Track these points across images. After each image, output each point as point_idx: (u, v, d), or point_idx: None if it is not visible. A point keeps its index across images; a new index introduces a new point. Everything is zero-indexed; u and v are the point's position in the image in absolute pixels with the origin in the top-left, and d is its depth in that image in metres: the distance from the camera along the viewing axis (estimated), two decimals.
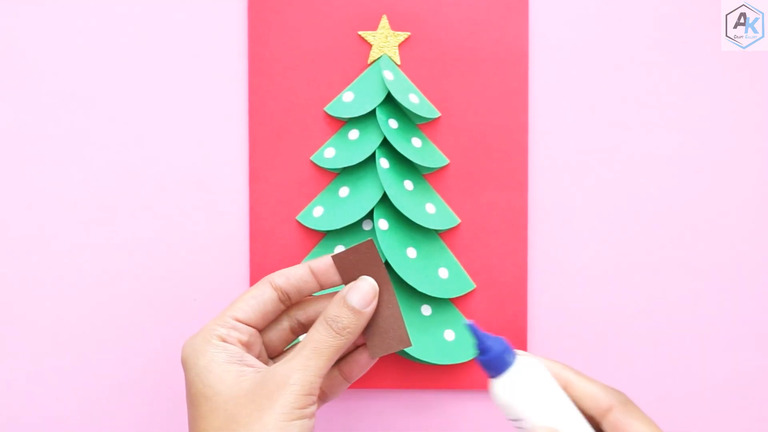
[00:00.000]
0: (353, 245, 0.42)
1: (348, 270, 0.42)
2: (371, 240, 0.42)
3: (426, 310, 0.50)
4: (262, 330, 0.43)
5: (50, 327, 0.51)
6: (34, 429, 0.51)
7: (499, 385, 0.38)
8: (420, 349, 0.49)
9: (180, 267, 0.51)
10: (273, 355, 0.44)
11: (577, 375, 0.40)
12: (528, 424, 0.37)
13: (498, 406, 0.38)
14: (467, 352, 0.50)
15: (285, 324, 0.44)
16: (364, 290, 0.41)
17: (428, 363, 0.50)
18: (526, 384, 0.38)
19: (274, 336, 0.44)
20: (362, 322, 0.41)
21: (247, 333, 0.41)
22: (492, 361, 0.38)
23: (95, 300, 0.51)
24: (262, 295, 0.42)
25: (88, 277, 0.51)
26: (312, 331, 0.41)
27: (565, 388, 0.39)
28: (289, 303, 0.43)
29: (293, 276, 0.42)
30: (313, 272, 0.42)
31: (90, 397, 0.51)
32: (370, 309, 0.41)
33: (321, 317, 0.41)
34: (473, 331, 0.38)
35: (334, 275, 0.42)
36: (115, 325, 0.51)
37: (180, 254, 0.51)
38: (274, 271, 0.50)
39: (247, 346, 0.41)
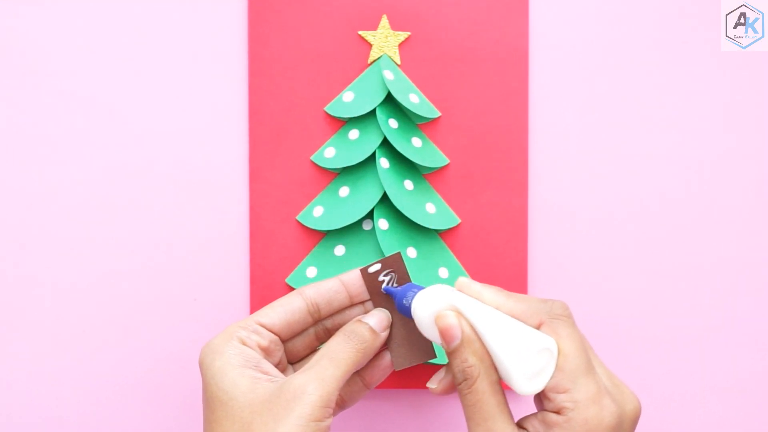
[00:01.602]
0: (382, 258, 0.43)
1: (375, 283, 0.42)
2: (399, 253, 0.42)
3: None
4: (286, 340, 0.43)
5: (50, 327, 0.51)
6: (34, 429, 0.51)
7: (414, 305, 0.40)
8: None
9: (180, 267, 0.51)
10: (293, 360, 0.44)
11: (507, 297, 0.39)
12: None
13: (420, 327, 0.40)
14: None
15: (311, 331, 0.43)
16: (380, 317, 0.42)
17: (428, 363, 0.50)
18: (433, 298, 0.39)
19: (298, 342, 0.43)
20: (377, 343, 0.41)
21: (268, 338, 0.41)
22: (399, 293, 0.41)
23: (95, 300, 0.51)
24: (290, 304, 0.42)
25: (88, 277, 0.51)
26: (331, 341, 0.40)
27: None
28: (318, 316, 0.43)
29: (324, 287, 0.42)
30: (344, 284, 0.43)
31: (90, 397, 0.51)
32: (385, 334, 0.42)
33: (340, 330, 0.41)
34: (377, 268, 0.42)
35: (364, 287, 0.43)
36: (115, 325, 0.51)
37: (180, 254, 0.51)
38: (274, 270, 0.50)
39: (266, 352, 0.41)
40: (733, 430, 0.52)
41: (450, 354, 0.38)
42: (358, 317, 0.42)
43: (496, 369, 0.38)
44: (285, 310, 0.41)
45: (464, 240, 0.51)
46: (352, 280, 0.43)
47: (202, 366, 0.40)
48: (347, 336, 0.40)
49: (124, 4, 0.51)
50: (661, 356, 0.52)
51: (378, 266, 0.42)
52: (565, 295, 0.51)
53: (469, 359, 0.38)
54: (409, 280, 0.42)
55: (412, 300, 0.40)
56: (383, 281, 0.43)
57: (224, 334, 0.40)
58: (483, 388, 0.38)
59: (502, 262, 0.51)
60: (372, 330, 0.41)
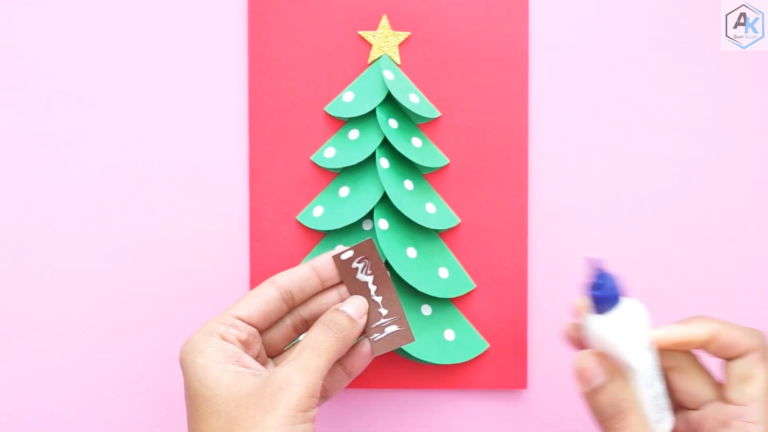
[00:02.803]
0: (353, 245, 0.43)
1: (348, 270, 0.43)
2: (371, 239, 0.43)
3: (426, 309, 0.50)
4: (263, 331, 0.43)
5: (50, 327, 0.51)
6: (34, 429, 0.51)
7: (601, 321, 0.38)
8: (420, 349, 0.49)
9: (180, 267, 0.51)
10: (273, 354, 0.44)
11: (721, 324, 0.39)
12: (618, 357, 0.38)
13: (591, 339, 0.39)
14: (467, 352, 0.50)
15: (287, 321, 0.44)
16: (356, 304, 0.43)
17: (428, 363, 0.50)
18: (622, 326, 0.38)
19: (276, 334, 0.44)
20: (356, 331, 0.42)
21: (246, 331, 0.41)
22: (603, 298, 0.38)
23: (95, 300, 0.51)
24: (264, 294, 0.42)
25: (88, 276, 0.51)
26: (310, 332, 0.41)
27: (715, 340, 0.39)
28: (292, 303, 0.43)
29: (295, 274, 0.43)
30: (314, 270, 0.43)
31: (90, 397, 0.51)
32: (362, 321, 0.43)
33: (319, 320, 0.42)
34: (594, 264, 0.38)
35: (334, 270, 0.44)
36: (115, 325, 0.51)
37: (180, 254, 0.51)
38: (274, 270, 0.50)
39: (246, 345, 0.41)
40: None
41: (592, 393, 0.38)
42: (335, 306, 0.43)
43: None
44: (260, 301, 0.42)
45: (464, 240, 0.51)
46: (322, 265, 0.44)
47: (183, 364, 0.40)
48: (326, 326, 0.41)
49: (124, 4, 0.51)
50: None
51: (350, 253, 0.43)
52: (565, 294, 0.51)
53: (623, 394, 0.38)
54: (383, 266, 0.43)
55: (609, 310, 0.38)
56: (356, 268, 0.43)
57: (203, 331, 0.41)
58: (640, 422, 0.38)
59: (502, 262, 0.51)
60: (350, 318, 0.42)
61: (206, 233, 0.51)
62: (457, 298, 0.51)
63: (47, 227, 0.51)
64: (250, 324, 0.42)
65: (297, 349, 0.40)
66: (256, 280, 0.50)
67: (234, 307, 0.42)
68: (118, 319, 0.51)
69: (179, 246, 0.51)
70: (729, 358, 0.39)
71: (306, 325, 0.44)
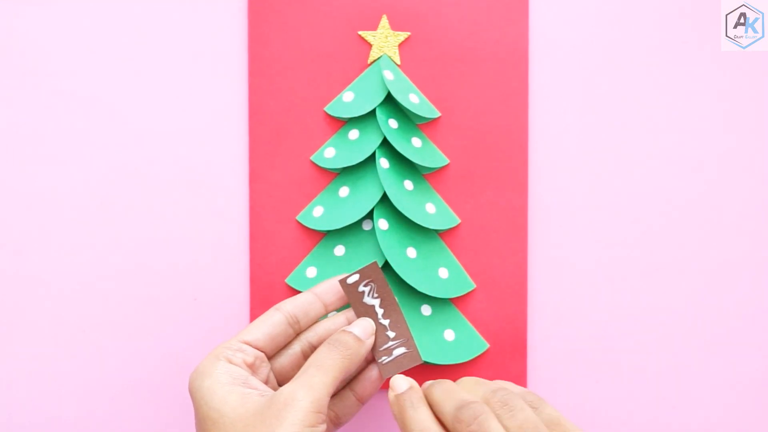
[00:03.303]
0: (358, 269, 0.44)
1: (355, 293, 0.43)
2: (375, 262, 0.44)
3: (426, 310, 0.50)
4: (271, 356, 0.44)
5: (50, 327, 0.51)
6: (34, 429, 0.51)
7: None
8: (420, 349, 0.49)
9: (180, 267, 0.51)
10: (284, 381, 0.44)
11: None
12: None
13: None
14: (467, 352, 0.50)
15: (296, 348, 0.44)
16: (363, 324, 0.43)
17: (428, 363, 0.50)
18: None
19: (285, 361, 0.44)
20: (363, 351, 0.43)
21: (253, 355, 0.42)
22: None
23: (95, 300, 0.51)
24: (270, 318, 0.43)
25: (88, 277, 0.51)
26: (316, 352, 0.42)
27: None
28: (298, 327, 0.44)
29: (299, 300, 0.44)
30: (317, 296, 0.44)
31: (90, 397, 0.51)
32: (370, 341, 0.43)
33: (325, 341, 0.42)
34: None
35: (336, 295, 0.44)
36: (115, 325, 0.51)
37: (180, 254, 0.51)
38: (274, 271, 0.50)
39: (253, 368, 0.42)
40: (733, 430, 0.52)
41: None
42: (343, 328, 0.43)
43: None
44: (265, 324, 0.43)
45: (464, 240, 0.51)
46: (324, 291, 0.44)
47: (191, 389, 0.40)
48: (332, 345, 0.42)
49: (124, 4, 0.51)
50: (661, 356, 0.52)
51: (356, 277, 0.44)
52: (565, 294, 0.51)
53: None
54: (389, 289, 0.44)
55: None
56: (363, 292, 0.44)
57: (210, 357, 0.41)
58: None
59: (502, 262, 0.51)
60: (356, 337, 0.42)
61: (206, 233, 0.51)
62: (456, 298, 0.51)
63: (47, 227, 0.51)
64: (257, 348, 0.42)
65: (303, 368, 0.41)
66: (256, 280, 0.50)
67: (241, 333, 0.42)
68: (118, 319, 0.51)
69: (179, 246, 0.51)
70: None
71: (314, 350, 0.44)
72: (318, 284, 0.45)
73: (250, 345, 0.42)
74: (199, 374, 0.40)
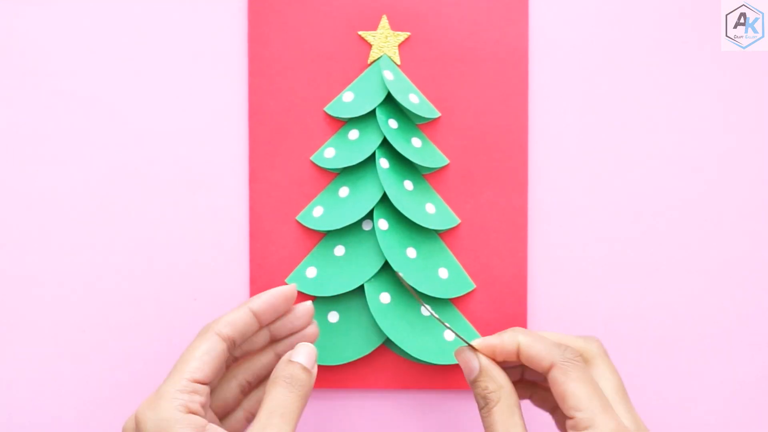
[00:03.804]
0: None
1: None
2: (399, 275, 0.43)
3: (426, 310, 0.50)
4: (215, 386, 0.43)
5: (50, 327, 0.51)
6: (34, 429, 0.51)
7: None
8: (420, 349, 0.49)
9: (180, 267, 0.51)
10: (223, 415, 0.44)
11: (526, 337, 0.41)
12: None
13: None
14: None
15: (233, 384, 0.44)
16: (306, 351, 0.41)
17: (428, 363, 0.50)
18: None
19: (229, 395, 0.44)
20: (312, 381, 0.41)
21: (204, 393, 0.40)
22: None
23: (95, 300, 0.51)
24: (215, 350, 0.41)
25: (88, 277, 0.51)
26: (275, 394, 0.40)
27: (517, 354, 0.41)
28: (234, 349, 0.43)
29: (237, 321, 0.42)
30: (255, 315, 0.43)
31: (89, 398, 0.51)
32: (315, 370, 0.41)
33: (273, 379, 0.40)
34: None
35: (274, 314, 0.44)
36: (115, 325, 0.51)
37: (180, 254, 0.51)
38: (274, 270, 0.50)
39: (205, 408, 0.40)
40: (733, 430, 0.52)
41: (471, 384, 0.41)
42: (288, 357, 0.41)
43: (515, 393, 0.41)
44: (211, 358, 0.40)
45: (464, 240, 0.51)
46: (263, 310, 0.43)
47: None
48: (290, 384, 0.40)
49: (124, 4, 0.51)
50: (661, 356, 0.52)
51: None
52: (565, 294, 0.51)
53: (489, 386, 0.41)
54: (413, 294, 0.43)
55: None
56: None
57: (166, 404, 0.38)
58: (502, 410, 0.40)
59: (502, 262, 0.51)
60: (307, 370, 0.41)
61: (206, 233, 0.51)
62: (457, 298, 0.51)
63: (47, 227, 0.51)
64: (206, 383, 0.40)
65: (264, 415, 0.39)
66: (256, 279, 0.50)
67: (188, 368, 0.40)
68: (118, 319, 0.51)
69: (179, 246, 0.51)
70: (544, 371, 0.40)
71: (251, 387, 0.45)
72: (255, 298, 0.43)
73: (200, 382, 0.40)
74: (158, 428, 0.38)
